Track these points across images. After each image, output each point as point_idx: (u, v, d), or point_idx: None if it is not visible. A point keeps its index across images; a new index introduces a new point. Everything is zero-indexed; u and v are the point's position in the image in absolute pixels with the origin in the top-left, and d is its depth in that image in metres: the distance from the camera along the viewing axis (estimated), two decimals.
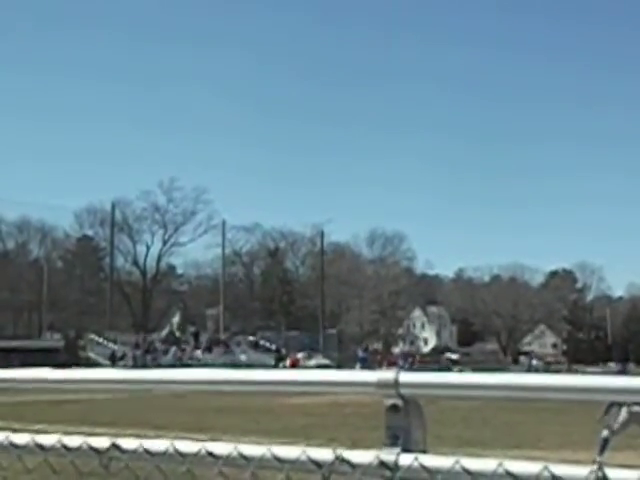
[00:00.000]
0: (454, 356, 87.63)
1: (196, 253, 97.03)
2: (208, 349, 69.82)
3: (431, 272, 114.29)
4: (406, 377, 2.05)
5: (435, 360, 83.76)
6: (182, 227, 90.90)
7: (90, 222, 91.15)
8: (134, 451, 2.29)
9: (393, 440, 2.03)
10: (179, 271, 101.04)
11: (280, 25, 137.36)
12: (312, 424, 18.79)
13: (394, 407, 2.05)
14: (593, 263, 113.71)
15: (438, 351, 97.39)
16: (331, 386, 2.35)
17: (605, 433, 12.91)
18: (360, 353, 67.73)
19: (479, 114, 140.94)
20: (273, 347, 74.23)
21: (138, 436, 2.38)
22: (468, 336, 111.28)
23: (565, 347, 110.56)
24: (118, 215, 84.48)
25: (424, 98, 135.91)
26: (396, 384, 2.04)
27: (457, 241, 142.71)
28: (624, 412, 12.75)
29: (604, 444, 12.89)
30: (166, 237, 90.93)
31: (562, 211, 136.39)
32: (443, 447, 2.16)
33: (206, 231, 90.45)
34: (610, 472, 1.72)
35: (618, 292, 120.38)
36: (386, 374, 2.07)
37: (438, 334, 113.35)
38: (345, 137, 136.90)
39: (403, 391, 2.04)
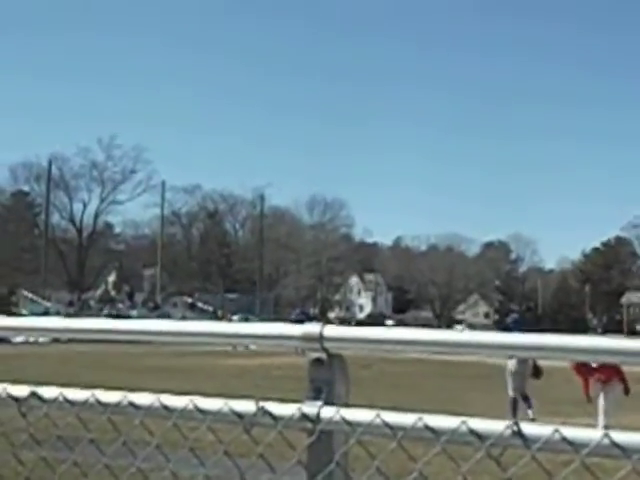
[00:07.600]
0: (389, 322, 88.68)
1: (134, 213, 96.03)
2: (144, 309, 69.37)
3: (369, 240, 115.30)
4: (331, 331, 2.05)
5: (370, 326, 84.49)
6: (120, 185, 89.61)
7: (25, 177, 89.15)
8: (54, 400, 2.27)
9: (316, 394, 2.04)
10: (117, 230, 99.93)
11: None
12: (246, 385, 18.89)
13: (318, 361, 2.06)
14: (527, 236, 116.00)
15: (373, 317, 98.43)
16: (257, 339, 2.35)
17: (511, 394, 14.23)
18: (294, 315, 67.61)
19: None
20: (210, 309, 74.06)
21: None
22: (403, 303, 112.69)
23: (497, 316, 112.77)
24: (55, 171, 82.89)
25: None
26: (321, 338, 2.04)
27: (396, 210, 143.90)
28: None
29: (514, 404, 14.20)
30: (104, 195, 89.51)
31: (500, 181, 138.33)
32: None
33: (145, 190, 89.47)
34: (524, 427, 1.76)
35: (550, 265, 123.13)
36: (311, 327, 2.06)
37: (374, 301, 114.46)
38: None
39: (327, 345, 2.04)
